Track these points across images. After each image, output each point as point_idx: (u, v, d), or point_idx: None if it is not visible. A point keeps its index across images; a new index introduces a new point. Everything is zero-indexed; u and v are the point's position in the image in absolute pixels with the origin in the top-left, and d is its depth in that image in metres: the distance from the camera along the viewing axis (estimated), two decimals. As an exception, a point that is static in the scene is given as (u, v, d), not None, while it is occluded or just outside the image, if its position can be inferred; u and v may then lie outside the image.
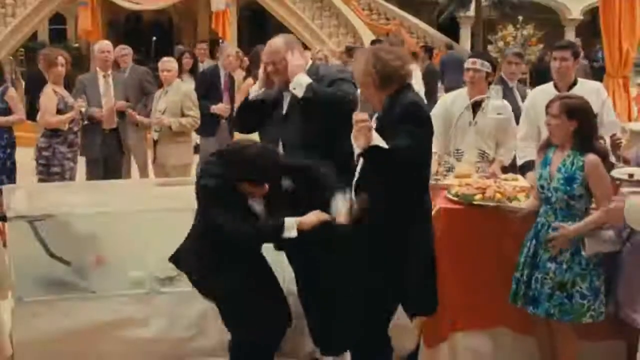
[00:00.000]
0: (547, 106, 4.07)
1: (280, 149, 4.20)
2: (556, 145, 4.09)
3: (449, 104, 5.44)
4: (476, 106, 5.34)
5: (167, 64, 7.49)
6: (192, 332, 4.60)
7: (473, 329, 4.39)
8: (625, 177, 3.92)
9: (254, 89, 4.36)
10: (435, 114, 5.36)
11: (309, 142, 4.09)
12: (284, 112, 4.29)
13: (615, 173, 4.00)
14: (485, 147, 5.37)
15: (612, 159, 4.52)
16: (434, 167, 5.05)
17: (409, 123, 3.49)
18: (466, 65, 5.40)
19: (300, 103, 4.14)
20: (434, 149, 5.29)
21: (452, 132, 5.35)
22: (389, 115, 3.58)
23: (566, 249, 3.97)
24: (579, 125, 3.98)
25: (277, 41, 4.30)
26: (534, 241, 4.09)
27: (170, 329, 4.60)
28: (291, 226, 3.75)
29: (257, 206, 3.94)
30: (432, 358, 4.36)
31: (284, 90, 4.28)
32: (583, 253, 3.95)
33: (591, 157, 3.94)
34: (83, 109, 6.88)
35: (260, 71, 4.35)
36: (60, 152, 6.77)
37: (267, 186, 3.82)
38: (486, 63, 5.36)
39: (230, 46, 9.13)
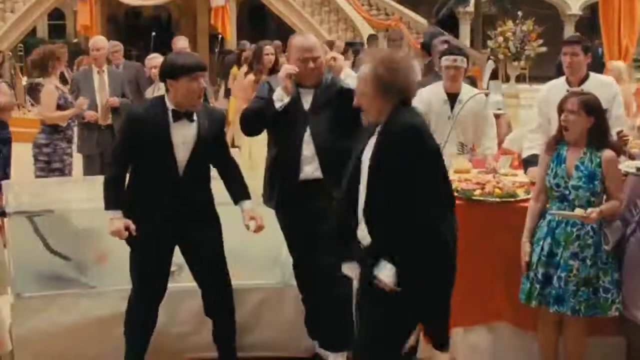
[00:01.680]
0: (562, 103, 4.07)
1: (310, 143, 4.23)
2: (567, 142, 4.10)
3: (427, 98, 5.48)
4: (452, 100, 5.40)
5: (154, 60, 7.53)
6: (192, 326, 4.61)
7: (473, 324, 4.39)
8: (634, 170, 3.98)
9: (279, 97, 4.22)
10: None
11: (340, 133, 4.13)
12: (307, 108, 4.27)
13: (622, 166, 4.03)
14: (463, 139, 5.49)
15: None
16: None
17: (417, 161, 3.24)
18: (446, 63, 5.42)
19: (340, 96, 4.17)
20: None
21: (432, 126, 5.41)
22: (387, 133, 3.34)
23: (588, 246, 3.99)
24: (596, 122, 4.02)
25: (311, 38, 4.31)
26: (548, 239, 4.07)
27: (170, 324, 4.61)
28: None
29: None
30: (432, 353, 4.36)
31: (304, 87, 4.27)
32: (605, 247, 3.98)
33: (608, 154, 4.00)
34: (85, 107, 6.92)
35: (284, 78, 4.19)
36: (61, 147, 6.81)
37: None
38: (464, 59, 5.46)
39: (182, 39, 9.11)
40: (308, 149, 4.24)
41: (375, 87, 3.33)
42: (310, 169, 4.26)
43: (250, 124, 4.45)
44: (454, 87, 5.44)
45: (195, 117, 4.13)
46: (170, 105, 4.09)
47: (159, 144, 4.06)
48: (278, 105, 4.20)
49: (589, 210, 3.91)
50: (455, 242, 3.41)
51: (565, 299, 4.01)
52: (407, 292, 3.30)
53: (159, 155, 4.08)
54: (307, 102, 4.27)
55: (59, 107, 6.74)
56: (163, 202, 4.12)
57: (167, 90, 4.11)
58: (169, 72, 4.07)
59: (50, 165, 6.77)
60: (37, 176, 6.79)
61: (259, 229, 4.25)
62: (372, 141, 3.40)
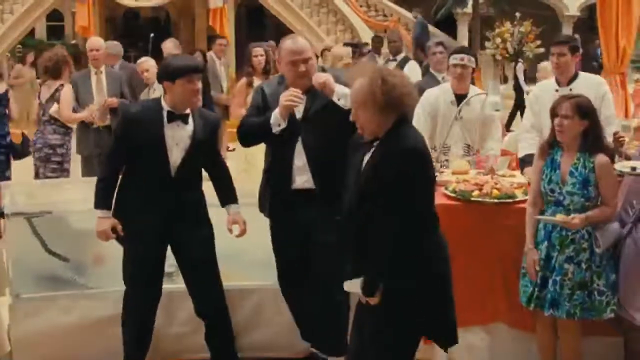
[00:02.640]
0: (555, 107, 4.05)
1: (301, 153, 4.19)
2: (560, 146, 4.09)
3: (434, 99, 5.48)
4: (460, 101, 5.39)
5: (144, 64, 7.57)
6: (190, 327, 4.60)
7: (470, 325, 4.40)
8: (628, 169, 3.98)
9: (277, 122, 4.14)
10: (422, 110, 5.40)
11: (332, 142, 4.03)
12: (299, 116, 4.21)
13: (618, 166, 4.03)
14: (469, 140, 5.46)
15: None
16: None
17: (407, 180, 3.16)
18: (454, 61, 5.41)
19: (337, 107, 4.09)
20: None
21: (439, 128, 5.42)
22: (386, 152, 3.25)
23: (584, 249, 4.00)
24: (589, 125, 4.01)
25: (300, 40, 4.24)
26: (545, 243, 4.08)
27: (168, 325, 4.61)
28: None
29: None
30: (429, 353, 4.36)
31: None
32: (597, 250, 3.98)
33: (602, 158, 3.98)
34: (96, 112, 6.97)
35: (285, 106, 4.09)
36: (70, 148, 6.89)
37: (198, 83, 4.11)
38: (472, 58, 5.45)
39: (170, 41, 9.18)
40: (300, 159, 4.19)
41: (372, 103, 3.21)
42: (302, 179, 4.22)
43: (248, 140, 4.46)
44: (461, 87, 5.40)
45: (190, 120, 4.16)
46: (166, 107, 4.13)
47: (153, 144, 4.10)
48: (275, 129, 4.16)
49: (572, 216, 3.93)
50: (442, 256, 3.41)
51: (561, 303, 4.01)
52: (403, 307, 3.29)
53: (153, 155, 4.12)
54: (299, 110, 4.20)
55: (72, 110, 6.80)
56: (155, 202, 4.16)
57: (164, 91, 4.15)
58: (165, 74, 4.12)
59: (63, 165, 6.80)
60: (49, 177, 6.75)
61: (242, 233, 4.32)
62: (367, 157, 3.32)
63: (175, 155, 4.14)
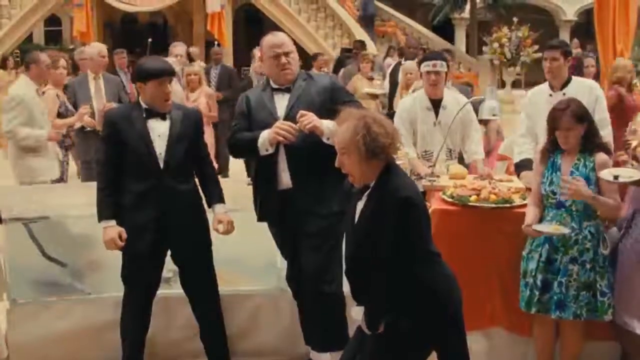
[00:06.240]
0: (554, 120, 4.06)
1: (282, 152, 4.17)
2: (560, 149, 4.11)
3: (409, 106, 5.50)
4: (436, 106, 5.42)
5: None
6: (188, 333, 4.60)
7: (468, 329, 4.38)
8: (611, 178, 3.95)
9: (264, 147, 4.14)
10: (401, 120, 5.46)
11: (312, 143, 4.06)
12: (282, 116, 4.20)
13: (602, 174, 4.01)
14: (451, 145, 5.48)
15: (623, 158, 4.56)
16: (422, 169, 5.09)
17: (396, 220, 3.12)
18: (426, 68, 5.43)
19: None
20: (413, 154, 5.34)
21: (419, 134, 5.43)
22: (380, 206, 3.19)
23: (587, 249, 4.02)
24: (588, 128, 4.06)
25: (279, 34, 4.31)
26: (546, 246, 4.09)
27: (166, 330, 4.61)
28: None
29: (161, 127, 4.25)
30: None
31: (278, 91, 4.26)
32: (603, 251, 4.00)
33: (601, 157, 4.05)
34: (86, 117, 6.92)
35: (274, 137, 4.08)
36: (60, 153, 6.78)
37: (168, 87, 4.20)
38: (444, 63, 5.46)
39: (180, 45, 9.23)
40: (283, 159, 4.19)
41: (355, 151, 3.16)
42: (287, 179, 4.21)
43: (238, 155, 4.61)
44: (436, 92, 5.44)
45: (167, 115, 4.26)
46: (144, 105, 4.24)
47: (138, 138, 4.19)
48: (262, 153, 4.17)
49: (577, 177, 3.94)
50: (445, 289, 3.37)
51: (567, 304, 4.03)
52: (404, 340, 3.27)
53: (139, 148, 4.18)
54: (281, 107, 4.22)
55: (59, 115, 6.73)
56: (149, 195, 4.19)
57: (138, 92, 4.28)
58: (138, 75, 4.24)
59: None
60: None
61: (227, 232, 4.34)
62: (360, 206, 3.28)
63: (160, 147, 4.21)
